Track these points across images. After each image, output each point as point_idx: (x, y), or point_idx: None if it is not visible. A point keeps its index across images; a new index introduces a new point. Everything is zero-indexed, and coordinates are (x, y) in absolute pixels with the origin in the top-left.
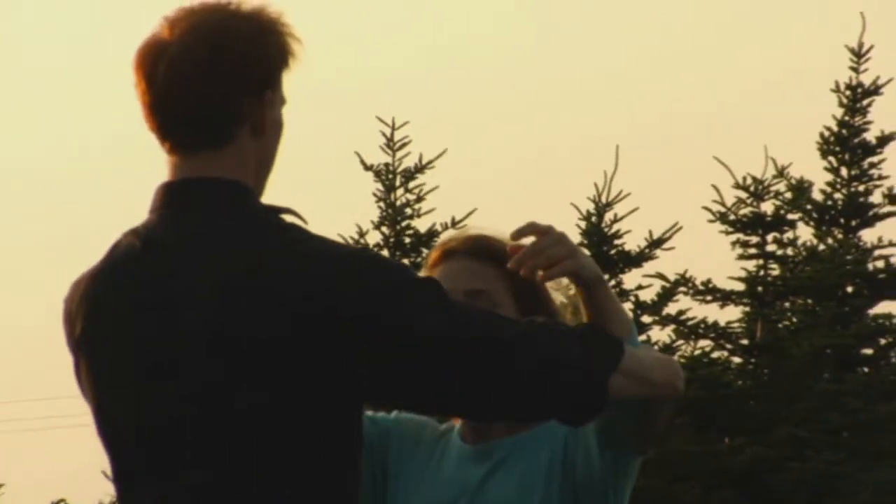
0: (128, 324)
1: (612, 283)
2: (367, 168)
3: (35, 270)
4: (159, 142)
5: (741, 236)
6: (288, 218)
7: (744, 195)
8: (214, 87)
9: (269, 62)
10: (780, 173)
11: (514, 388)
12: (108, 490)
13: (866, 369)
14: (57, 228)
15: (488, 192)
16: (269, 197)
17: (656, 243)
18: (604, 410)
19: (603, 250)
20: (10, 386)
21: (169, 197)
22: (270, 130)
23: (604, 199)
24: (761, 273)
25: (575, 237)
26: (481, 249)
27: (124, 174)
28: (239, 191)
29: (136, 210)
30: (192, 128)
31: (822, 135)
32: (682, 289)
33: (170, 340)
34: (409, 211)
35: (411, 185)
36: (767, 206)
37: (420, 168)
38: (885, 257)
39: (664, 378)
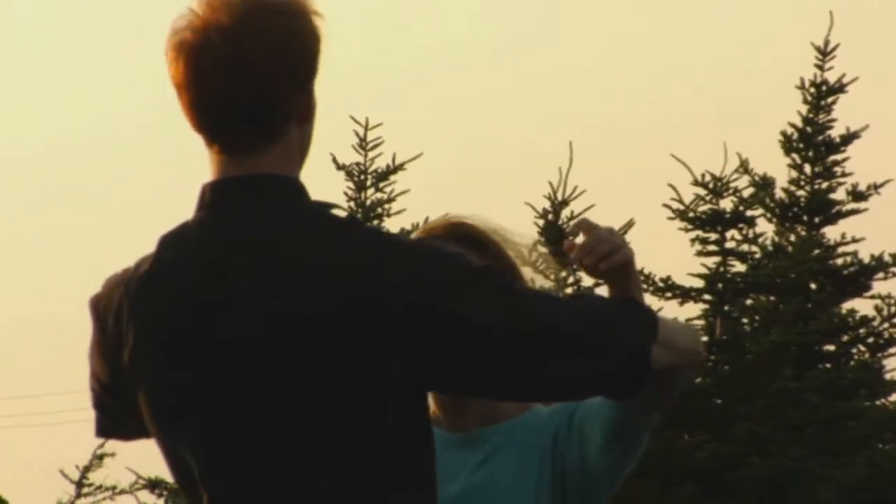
0: (195, 323)
1: (570, 280)
2: (340, 167)
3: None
4: (205, 140)
5: (700, 233)
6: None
7: (703, 192)
8: (268, 86)
9: (313, 51)
10: (745, 169)
11: (569, 371)
12: (67, 489)
13: (828, 366)
14: (31, 227)
15: (454, 193)
16: None
17: None
18: (648, 382)
19: (560, 248)
20: None
21: (222, 195)
22: (313, 116)
23: (559, 197)
24: (721, 270)
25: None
26: (463, 235)
27: (110, 171)
28: (294, 187)
29: (127, 207)
30: (244, 128)
31: (784, 132)
32: (643, 286)
33: (238, 338)
34: (379, 211)
35: (382, 185)
36: (727, 203)
37: (393, 169)
38: (849, 254)
39: (691, 344)
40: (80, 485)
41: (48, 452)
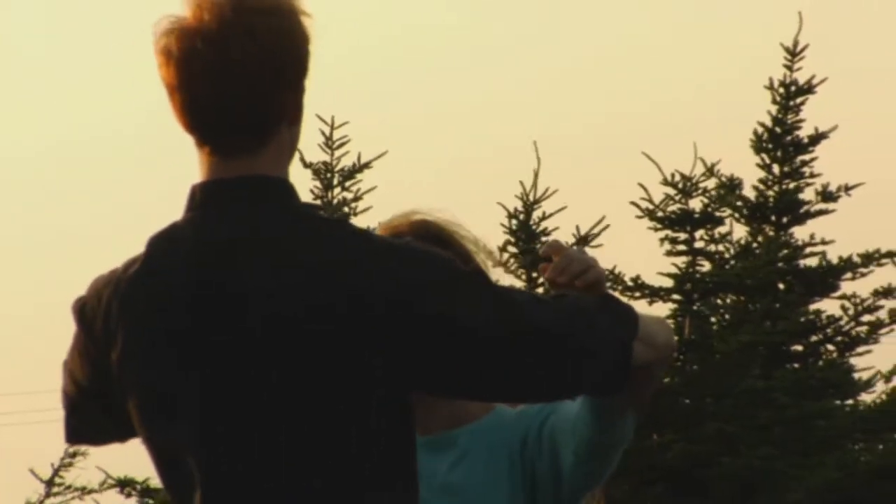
0: (188, 323)
1: (541, 281)
2: (307, 166)
3: None
4: (196, 141)
5: (669, 233)
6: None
7: (672, 192)
8: (258, 88)
9: (303, 52)
10: (710, 171)
11: (554, 372)
12: (38, 489)
13: (796, 366)
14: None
15: (423, 192)
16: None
17: (583, 240)
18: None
19: (532, 248)
20: None
21: (213, 196)
22: (302, 117)
23: (531, 198)
24: (690, 270)
25: (501, 237)
26: (428, 234)
27: (107, 170)
28: (285, 188)
29: (121, 207)
30: (236, 130)
31: (755, 131)
32: (610, 285)
33: (231, 339)
34: (346, 209)
35: (349, 183)
36: (696, 203)
37: (359, 168)
38: (817, 254)
39: (666, 339)
40: (50, 484)
41: (18, 451)
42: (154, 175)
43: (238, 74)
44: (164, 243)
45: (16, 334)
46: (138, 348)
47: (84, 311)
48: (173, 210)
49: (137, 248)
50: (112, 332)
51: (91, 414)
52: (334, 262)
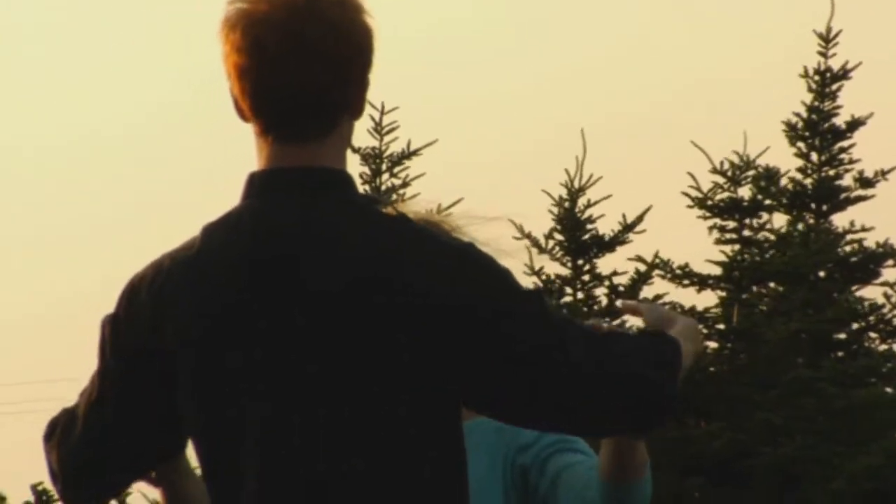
0: (244, 306)
1: (587, 267)
2: (355, 151)
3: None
4: (259, 128)
5: (718, 221)
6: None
7: (721, 180)
8: (331, 78)
9: (370, 47)
10: (748, 163)
11: (591, 404)
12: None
13: (840, 354)
14: (32, 223)
15: (471, 179)
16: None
17: (629, 227)
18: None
19: (576, 235)
20: None
21: (275, 184)
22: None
23: (576, 185)
24: (738, 258)
25: (548, 223)
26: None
27: (114, 167)
28: (346, 180)
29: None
30: (305, 118)
31: (788, 122)
32: (659, 272)
33: (286, 322)
34: (394, 196)
35: (397, 170)
36: (744, 192)
37: (407, 154)
38: (857, 241)
39: (697, 351)
40: None
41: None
42: (152, 173)
43: (309, 63)
44: (220, 229)
45: (40, 327)
46: (194, 331)
47: (131, 298)
48: (179, 208)
49: (149, 242)
50: (163, 318)
51: (123, 439)
52: (392, 258)
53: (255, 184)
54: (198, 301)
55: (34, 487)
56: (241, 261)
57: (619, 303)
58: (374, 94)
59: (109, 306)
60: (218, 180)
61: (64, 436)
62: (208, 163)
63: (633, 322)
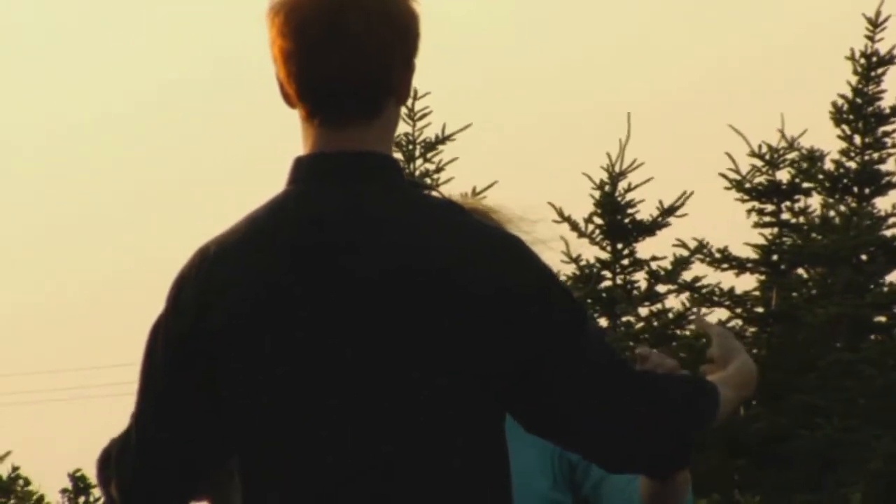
0: (292, 299)
1: (626, 252)
2: None
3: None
4: (305, 113)
5: (756, 204)
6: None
7: (759, 163)
8: (378, 60)
9: (417, 31)
10: (790, 144)
11: (613, 440)
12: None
13: (880, 337)
14: (53, 211)
15: (505, 164)
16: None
17: (668, 211)
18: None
19: (617, 219)
20: (13, 359)
21: (321, 169)
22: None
23: (617, 168)
24: (777, 241)
25: (588, 207)
26: None
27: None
28: (393, 166)
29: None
30: (352, 101)
31: (835, 103)
32: (699, 256)
33: (330, 307)
34: (428, 181)
35: (431, 155)
36: (783, 175)
37: (441, 139)
38: None
39: (742, 397)
40: None
41: (75, 427)
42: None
43: (353, 47)
44: (265, 214)
45: (96, 311)
46: (236, 315)
47: (180, 285)
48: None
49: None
50: (207, 303)
51: (176, 442)
52: (434, 243)
53: (300, 169)
54: (241, 286)
55: (72, 475)
56: (285, 246)
57: (693, 316)
58: None
59: (145, 290)
60: (233, 163)
61: (119, 461)
62: (224, 145)
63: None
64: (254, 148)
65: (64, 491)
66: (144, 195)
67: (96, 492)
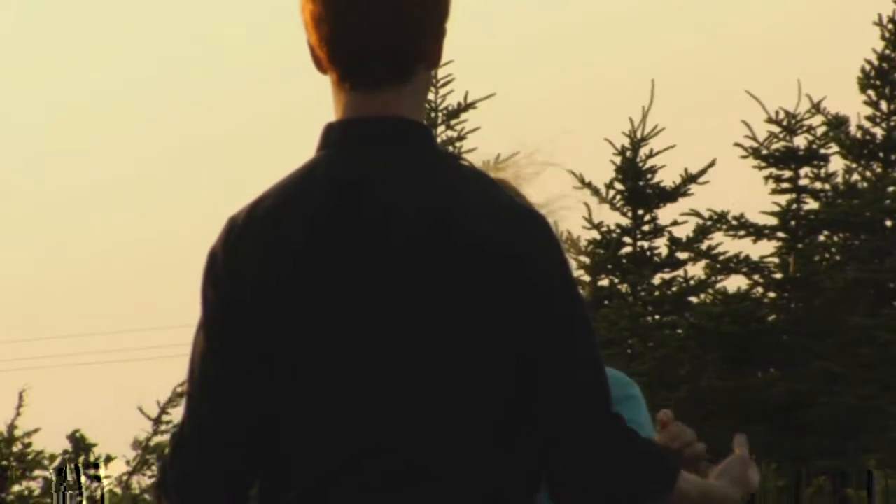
0: (322, 264)
1: (647, 218)
2: None
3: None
4: (336, 78)
5: (774, 171)
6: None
7: (776, 129)
8: (410, 24)
9: None
10: (816, 108)
11: (575, 457)
12: (144, 427)
13: None
14: (67, 176)
15: (526, 130)
16: (317, 130)
17: (691, 178)
18: None
19: (638, 185)
20: (42, 323)
21: (352, 135)
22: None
23: (639, 135)
24: (794, 207)
25: (609, 173)
26: None
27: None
28: (423, 132)
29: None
30: (382, 65)
31: (863, 69)
32: (715, 224)
33: (361, 271)
34: (450, 149)
35: (453, 123)
36: (800, 141)
37: (464, 107)
38: None
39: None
40: (157, 422)
41: (127, 389)
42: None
43: (388, 8)
44: (295, 180)
45: (125, 275)
46: (267, 281)
47: (216, 254)
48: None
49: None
50: (237, 269)
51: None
52: (464, 208)
53: (331, 134)
54: (271, 252)
55: (71, 436)
56: (316, 211)
57: (737, 439)
58: None
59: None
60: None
61: (176, 456)
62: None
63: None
64: (287, 108)
65: (65, 452)
66: (159, 164)
67: (97, 450)
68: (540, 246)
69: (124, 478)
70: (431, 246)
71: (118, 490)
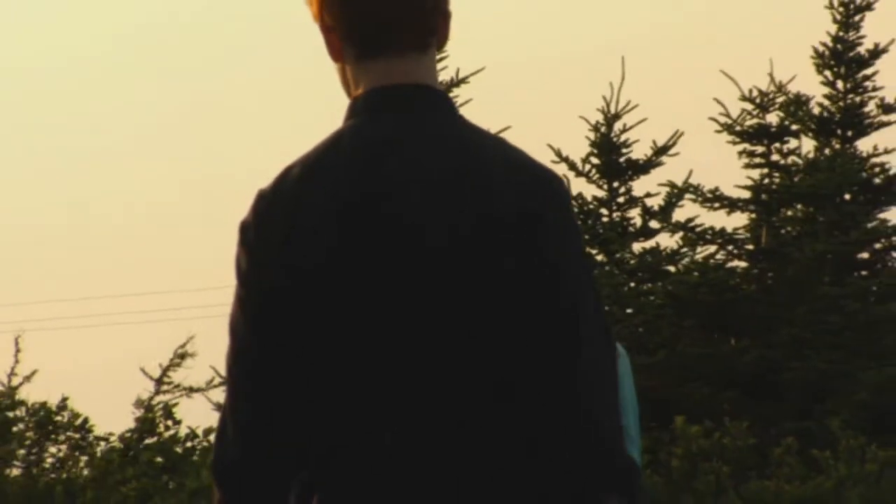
0: (362, 238)
1: (622, 190)
2: None
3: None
4: (354, 54)
5: (747, 146)
6: None
7: (749, 107)
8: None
9: None
10: (779, 88)
11: (564, 420)
12: (147, 387)
13: (864, 273)
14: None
15: (513, 105)
16: (327, 107)
17: (662, 150)
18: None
19: (612, 158)
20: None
21: (378, 103)
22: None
23: (612, 110)
24: (766, 181)
25: (585, 148)
26: None
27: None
28: (447, 100)
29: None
30: (403, 34)
31: (816, 50)
32: (690, 196)
33: (392, 234)
34: None
35: None
36: (772, 118)
37: (457, 82)
38: (881, 165)
39: None
40: (159, 382)
41: (130, 351)
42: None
43: None
44: (323, 151)
45: (127, 239)
46: (297, 257)
47: (249, 226)
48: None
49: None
50: (275, 244)
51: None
52: (492, 170)
53: (358, 104)
54: (302, 224)
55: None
56: (345, 177)
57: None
58: None
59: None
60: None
61: (221, 448)
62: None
63: None
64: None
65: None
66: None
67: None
68: (559, 204)
69: (126, 434)
70: (462, 208)
71: (119, 445)
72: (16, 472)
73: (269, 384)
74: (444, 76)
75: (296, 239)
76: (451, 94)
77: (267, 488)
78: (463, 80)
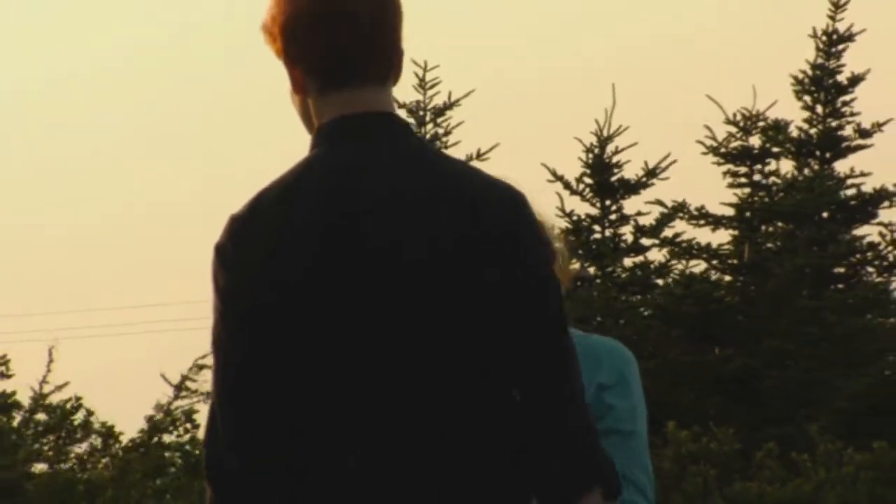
0: (341, 257)
1: (614, 208)
2: (401, 106)
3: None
4: (318, 86)
5: (731, 167)
6: None
7: (734, 130)
8: (394, 35)
9: (402, 15)
10: (757, 116)
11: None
12: (166, 392)
13: (841, 286)
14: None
15: (507, 128)
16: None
17: (652, 173)
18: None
19: (605, 178)
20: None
21: (345, 130)
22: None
23: (605, 133)
24: (749, 200)
25: (578, 169)
26: None
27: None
28: (408, 126)
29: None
30: (366, 64)
31: (796, 77)
32: (680, 214)
33: (364, 262)
34: (438, 144)
35: (440, 120)
36: (755, 140)
37: (449, 105)
38: (856, 186)
39: None
40: (178, 388)
41: (151, 359)
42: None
43: (382, 17)
44: (297, 173)
45: (151, 250)
46: (289, 276)
47: (225, 249)
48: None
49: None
50: (254, 264)
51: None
52: (465, 198)
53: (322, 132)
54: (282, 244)
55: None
56: (320, 200)
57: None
58: (417, 52)
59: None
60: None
61: (210, 451)
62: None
63: None
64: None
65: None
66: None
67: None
68: (531, 220)
69: (141, 432)
70: (440, 223)
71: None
72: (40, 467)
73: (254, 397)
74: (437, 101)
75: (280, 254)
76: (443, 118)
77: (254, 495)
78: (455, 104)
